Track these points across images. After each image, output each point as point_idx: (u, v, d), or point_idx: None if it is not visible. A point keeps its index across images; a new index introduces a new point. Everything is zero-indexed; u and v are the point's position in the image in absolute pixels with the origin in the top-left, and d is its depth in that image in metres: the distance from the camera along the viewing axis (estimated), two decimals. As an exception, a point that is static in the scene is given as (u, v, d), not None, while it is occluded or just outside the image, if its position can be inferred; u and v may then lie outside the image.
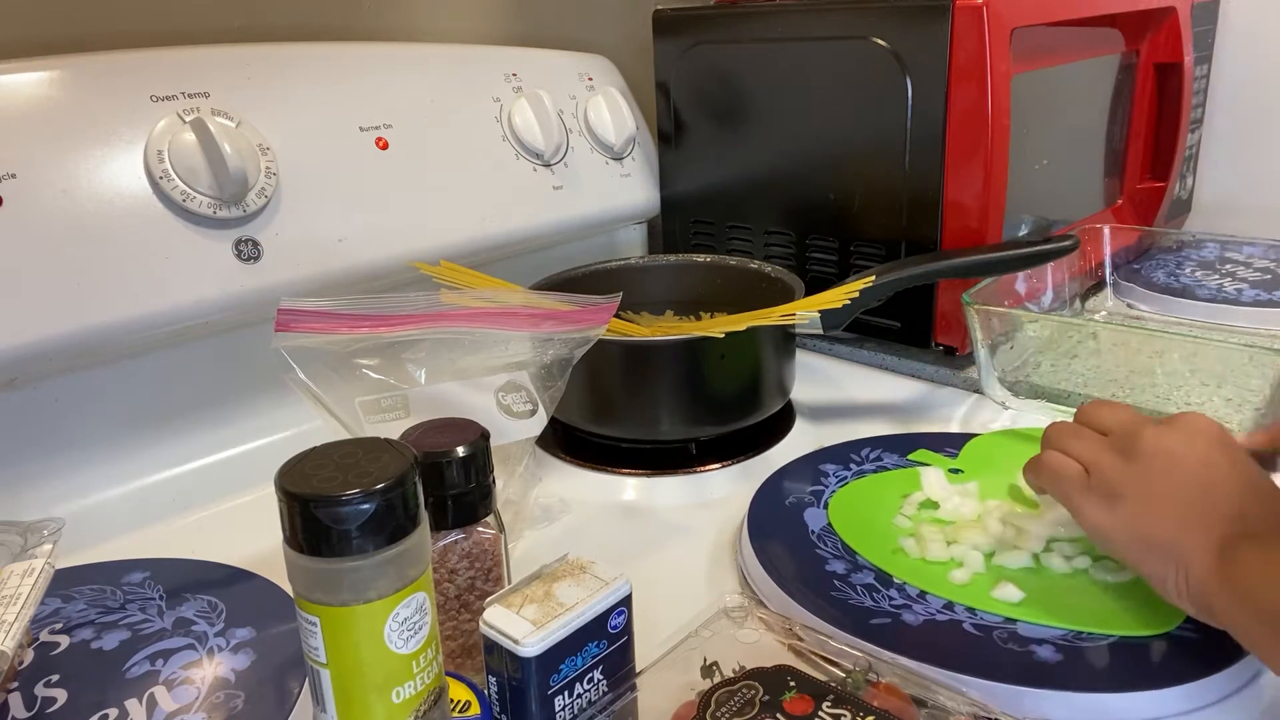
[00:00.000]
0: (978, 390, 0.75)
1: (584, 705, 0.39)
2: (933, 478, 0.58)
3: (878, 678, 0.41)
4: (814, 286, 0.69)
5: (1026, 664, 0.43)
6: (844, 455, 0.63)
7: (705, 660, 0.42)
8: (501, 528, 0.45)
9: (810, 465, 0.62)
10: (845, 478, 0.60)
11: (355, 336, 0.51)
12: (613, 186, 0.89)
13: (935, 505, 0.57)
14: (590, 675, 0.39)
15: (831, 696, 0.39)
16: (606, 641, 0.39)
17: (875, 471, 0.61)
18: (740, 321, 0.63)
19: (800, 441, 0.68)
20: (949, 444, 0.64)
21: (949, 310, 0.75)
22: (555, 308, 0.56)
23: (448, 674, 0.38)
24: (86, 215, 0.59)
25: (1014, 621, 0.46)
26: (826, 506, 0.57)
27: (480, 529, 0.44)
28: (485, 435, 0.45)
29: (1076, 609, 0.46)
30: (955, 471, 0.61)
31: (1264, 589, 0.39)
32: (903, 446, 0.64)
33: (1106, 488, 0.46)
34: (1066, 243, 0.69)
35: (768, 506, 0.57)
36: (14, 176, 0.57)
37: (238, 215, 0.64)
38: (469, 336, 0.54)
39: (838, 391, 0.79)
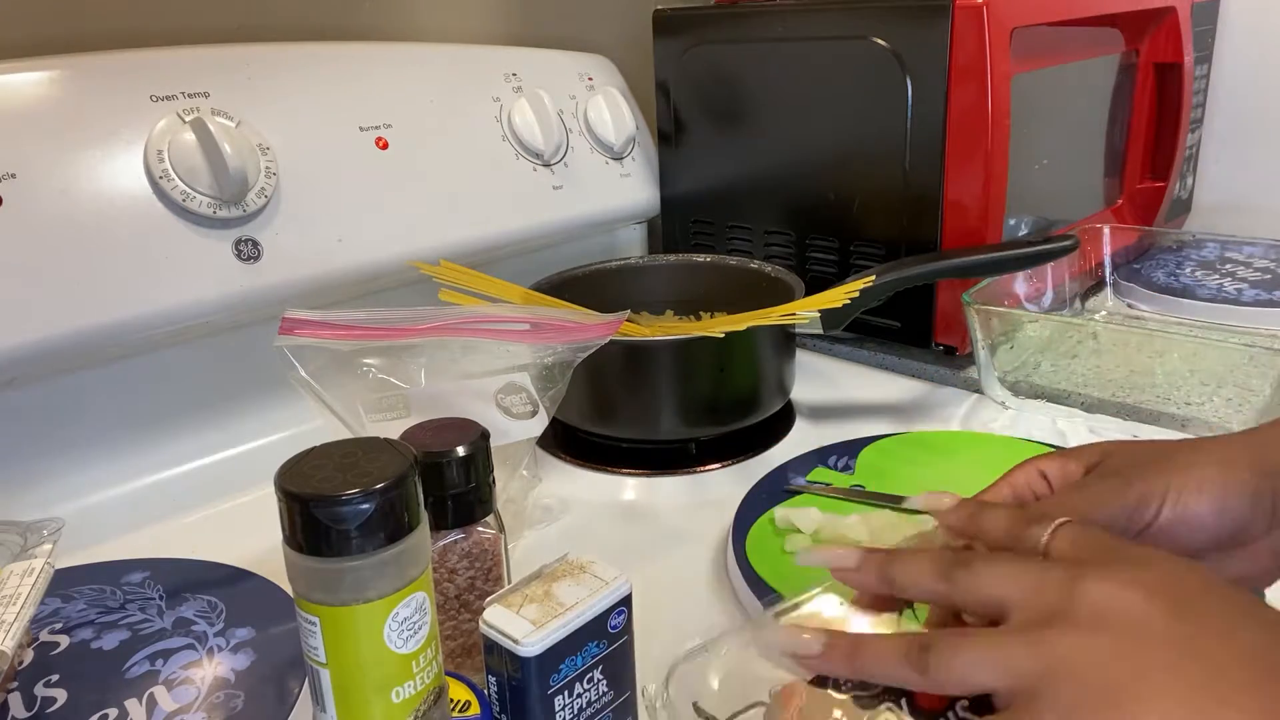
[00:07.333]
0: (978, 390, 0.75)
1: (584, 705, 0.39)
2: (812, 515, 0.54)
3: None
4: (814, 286, 0.69)
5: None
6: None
7: None
8: (501, 528, 0.45)
9: (779, 479, 0.60)
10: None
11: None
12: (613, 186, 0.89)
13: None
14: (590, 675, 0.39)
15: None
16: (606, 641, 0.39)
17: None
18: (740, 321, 0.63)
19: (800, 441, 0.68)
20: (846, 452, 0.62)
21: (949, 310, 0.75)
22: (563, 320, 0.56)
23: (448, 674, 0.38)
24: (86, 215, 0.59)
25: None
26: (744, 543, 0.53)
27: (480, 529, 0.44)
28: (485, 435, 0.45)
29: None
30: (857, 488, 0.58)
31: None
32: (802, 466, 0.61)
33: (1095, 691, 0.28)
34: (1066, 243, 0.69)
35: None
36: (14, 176, 0.57)
37: (237, 215, 0.64)
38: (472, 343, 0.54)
39: (838, 391, 0.79)
